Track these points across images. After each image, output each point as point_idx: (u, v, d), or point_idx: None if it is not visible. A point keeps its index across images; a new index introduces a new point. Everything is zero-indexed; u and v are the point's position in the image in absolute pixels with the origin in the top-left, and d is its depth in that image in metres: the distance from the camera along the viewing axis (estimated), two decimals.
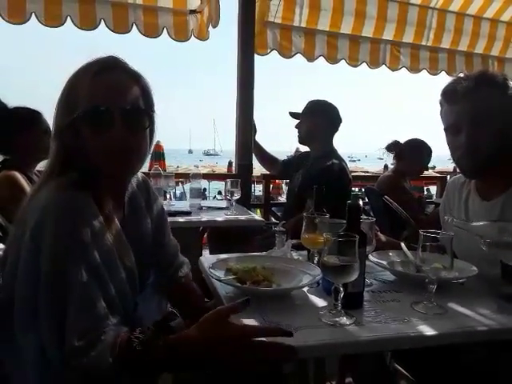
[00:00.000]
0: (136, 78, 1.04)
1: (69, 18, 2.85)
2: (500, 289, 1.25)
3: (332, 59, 3.64)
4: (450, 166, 13.66)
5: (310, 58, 3.58)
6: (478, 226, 1.21)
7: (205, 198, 6.79)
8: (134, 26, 3.01)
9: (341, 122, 2.80)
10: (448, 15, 3.83)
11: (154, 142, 1.14)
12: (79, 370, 0.85)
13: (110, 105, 0.97)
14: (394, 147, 3.18)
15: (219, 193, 10.54)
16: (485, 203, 1.37)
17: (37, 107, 2.05)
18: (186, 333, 0.88)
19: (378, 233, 1.45)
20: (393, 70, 3.87)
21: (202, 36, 3.22)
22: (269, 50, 3.42)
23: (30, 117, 2.00)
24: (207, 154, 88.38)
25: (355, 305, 1.06)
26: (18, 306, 0.90)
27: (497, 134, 1.27)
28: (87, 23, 2.91)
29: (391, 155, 3.19)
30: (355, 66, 3.74)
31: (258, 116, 3.27)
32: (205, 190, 8.52)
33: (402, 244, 1.40)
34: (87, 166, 1.00)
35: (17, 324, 0.90)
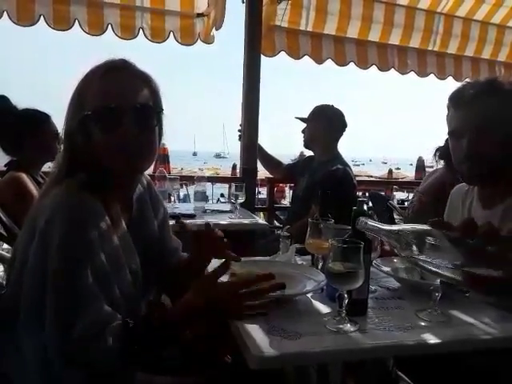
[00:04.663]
0: (145, 79, 1.05)
1: (77, 22, 2.87)
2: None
3: (340, 61, 3.64)
4: None
5: (318, 60, 3.58)
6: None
7: (207, 200, 6.76)
8: (141, 31, 3.03)
9: (345, 127, 2.80)
10: (455, 20, 3.82)
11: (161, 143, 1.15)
12: (81, 365, 0.86)
13: (120, 102, 0.97)
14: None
15: (222, 195, 10.53)
16: (486, 212, 1.35)
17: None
18: (182, 299, 0.95)
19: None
20: (402, 74, 3.88)
21: (208, 40, 3.24)
22: (277, 52, 3.42)
23: (40, 119, 2.02)
24: (218, 156, 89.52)
25: (359, 312, 1.05)
26: (23, 304, 0.91)
27: (499, 142, 1.25)
28: (95, 29, 2.94)
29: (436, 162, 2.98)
30: (365, 69, 3.74)
31: (262, 120, 3.27)
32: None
33: None
34: (97, 167, 1.01)
35: (21, 322, 0.91)
